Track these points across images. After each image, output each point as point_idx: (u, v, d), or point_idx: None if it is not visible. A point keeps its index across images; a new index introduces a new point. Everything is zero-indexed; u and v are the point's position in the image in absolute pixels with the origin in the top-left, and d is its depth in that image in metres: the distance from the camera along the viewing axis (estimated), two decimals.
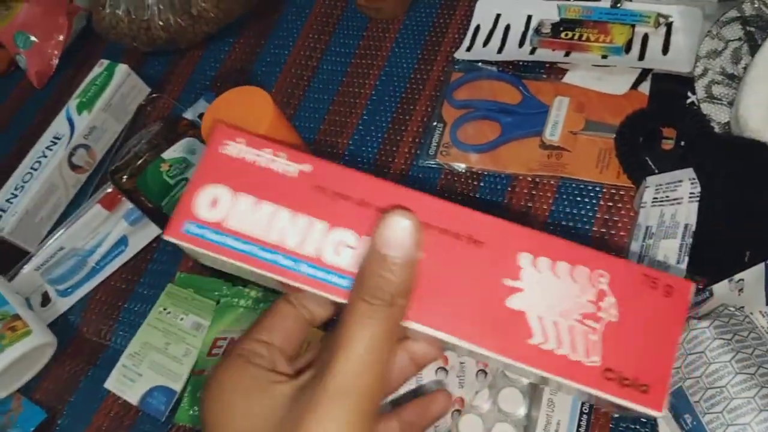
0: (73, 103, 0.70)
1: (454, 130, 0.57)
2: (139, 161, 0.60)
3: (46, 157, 0.67)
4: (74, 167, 0.68)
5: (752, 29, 0.50)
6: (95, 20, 0.75)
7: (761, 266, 0.41)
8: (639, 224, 0.45)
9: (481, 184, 0.55)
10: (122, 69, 0.71)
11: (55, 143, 0.68)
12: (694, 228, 0.41)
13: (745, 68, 0.49)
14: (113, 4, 0.72)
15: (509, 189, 0.54)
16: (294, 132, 0.37)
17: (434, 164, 0.57)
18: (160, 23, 0.71)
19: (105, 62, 0.72)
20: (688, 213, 0.42)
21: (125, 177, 0.60)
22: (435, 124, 0.59)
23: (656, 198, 0.45)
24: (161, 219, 0.58)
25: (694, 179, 0.43)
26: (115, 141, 0.71)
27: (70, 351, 0.60)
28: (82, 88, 0.70)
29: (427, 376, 0.41)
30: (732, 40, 0.50)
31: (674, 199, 0.43)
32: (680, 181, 0.44)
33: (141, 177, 0.59)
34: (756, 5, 0.51)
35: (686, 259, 0.41)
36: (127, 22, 0.72)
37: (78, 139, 0.68)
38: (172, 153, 0.60)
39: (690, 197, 0.42)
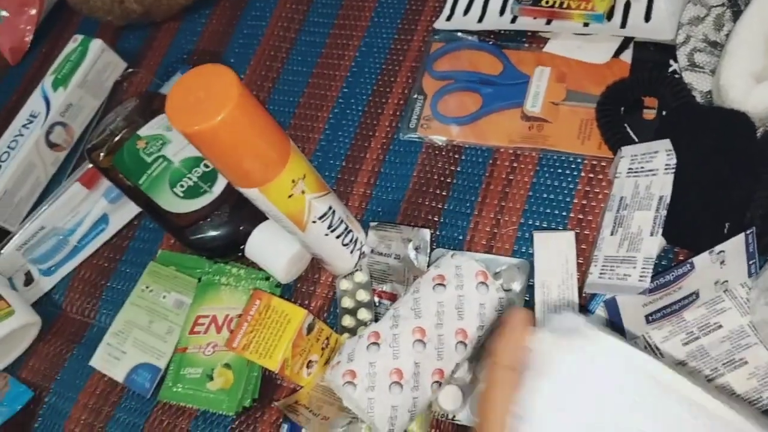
0: (48, 80, 0.68)
1: (434, 103, 0.56)
2: (116, 138, 0.59)
3: (22, 135, 0.66)
4: (52, 145, 0.67)
5: None
6: None
7: (741, 237, 0.41)
8: (613, 195, 0.45)
9: (463, 157, 0.55)
10: (97, 44, 0.69)
11: (32, 121, 0.66)
12: (668, 200, 0.41)
13: (727, 35, 0.48)
14: None
15: (490, 162, 0.54)
16: (264, 112, 0.37)
17: (416, 137, 0.56)
18: None
19: (79, 37, 0.70)
20: (663, 184, 0.42)
21: (102, 155, 0.59)
22: (415, 96, 0.58)
23: (631, 168, 0.44)
24: (139, 197, 0.58)
25: (670, 150, 0.42)
26: (93, 118, 0.70)
27: (54, 330, 0.60)
28: (56, 65, 0.69)
29: (405, 349, 0.41)
30: (715, 6, 0.49)
31: (649, 170, 0.43)
32: (656, 152, 0.43)
33: (118, 155, 0.58)
34: None
35: (660, 231, 0.41)
36: None
37: (54, 116, 0.67)
38: (148, 130, 0.59)
39: (666, 168, 0.42)
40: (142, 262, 0.59)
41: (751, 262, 0.41)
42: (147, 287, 0.57)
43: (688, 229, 0.43)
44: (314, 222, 0.44)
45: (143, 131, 0.59)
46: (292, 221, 0.43)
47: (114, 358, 0.55)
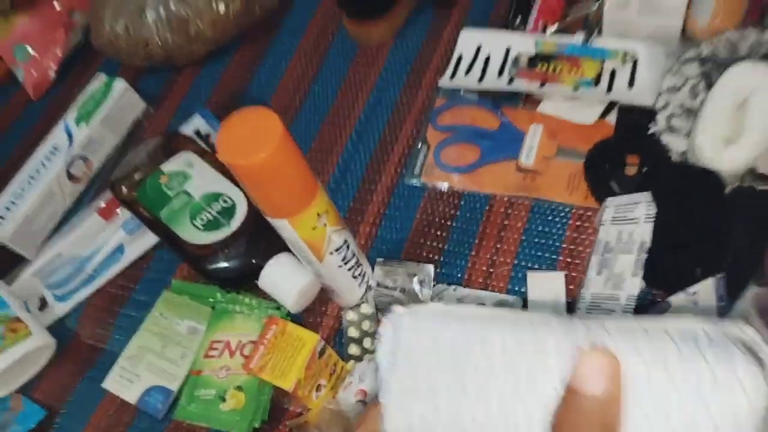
0: (71, 115, 0.72)
1: (437, 152, 0.62)
2: (139, 173, 0.63)
3: (45, 167, 0.70)
4: (72, 177, 0.71)
5: (708, 68, 0.56)
6: (93, 36, 0.78)
7: (711, 280, 0.46)
8: (599, 240, 0.50)
9: (462, 202, 0.60)
10: (121, 84, 0.74)
11: (54, 153, 0.70)
12: (648, 245, 0.46)
13: (701, 103, 0.54)
14: (113, 21, 0.76)
15: (487, 207, 0.59)
16: (299, 152, 0.41)
17: (419, 183, 0.61)
18: (158, 42, 0.75)
19: (104, 76, 0.75)
20: (643, 232, 0.47)
21: (125, 188, 0.63)
22: (420, 146, 0.63)
23: (615, 217, 0.50)
24: (159, 228, 0.61)
25: (650, 202, 0.48)
26: (111, 153, 0.74)
27: (67, 354, 0.63)
28: (81, 102, 0.73)
29: None
30: (691, 78, 0.56)
31: (631, 219, 0.48)
32: (637, 203, 0.49)
33: (141, 188, 0.63)
34: (712, 46, 0.56)
35: (640, 272, 0.46)
36: (126, 39, 0.76)
37: (76, 150, 0.71)
38: (170, 166, 0.63)
39: (646, 217, 0.47)
40: (155, 291, 0.63)
41: (720, 304, 0.47)
42: (161, 314, 0.61)
43: (665, 273, 0.48)
44: (331, 254, 0.49)
45: (166, 167, 0.63)
46: (311, 251, 0.47)
47: (127, 381, 0.58)
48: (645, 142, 0.55)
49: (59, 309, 0.65)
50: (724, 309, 0.46)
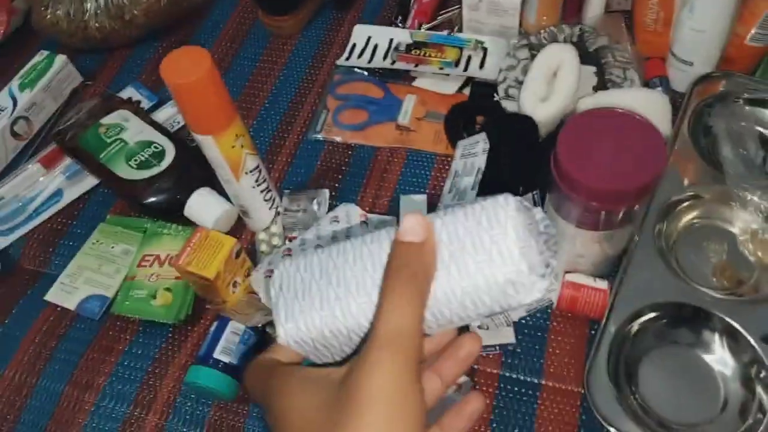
0: (15, 82, 0.83)
1: (335, 114, 0.77)
2: (81, 125, 0.75)
3: None
4: (15, 135, 0.81)
5: (535, 52, 0.75)
6: (35, 19, 0.89)
7: (528, 195, 0.64)
8: (452, 170, 0.67)
9: (353, 153, 0.75)
10: (61, 58, 0.85)
11: None
12: (483, 169, 0.63)
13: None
14: (55, 7, 0.87)
15: (373, 157, 0.75)
16: (222, 82, 0.55)
17: (320, 137, 0.76)
18: (96, 25, 0.87)
19: (45, 52, 0.85)
20: (480, 161, 0.64)
21: (68, 137, 0.75)
22: (321, 109, 0.78)
23: (463, 153, 0.67)
24: (98, 169, 0.73)
25: (486, 140, 0.65)
26: (51, 117, 0.85)
27: (10, 279, 0.72)
28: (24, 71, 0.83)
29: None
30: (522, 59, 0.75)
31: (473, 153, 0.66)
32: (477, 142, 0.66)
33: (82, 136, 0.74)
34: (539, 37, 0.76)
35: (477, 188, 0.63)
36: (67, 22, 0.87)
37: (20, 111, 0.81)
38: (108, 119, 0.75)
39: (483, 151, 0.65)
40: (92, 225, 0.73)
41: None
42: (97, 241, 0.72)
43: (495, 190, 0.65)
44: (246, 173, 0.63)
45: (104, 120, 0.75)
46: (230, 169, 0.61)
47: (67, 293, 0.68)
48: (489, 106, 0.73)
49: (2, 242, 0.74)
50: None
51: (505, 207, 0.34)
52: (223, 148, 0.59)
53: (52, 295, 0.68)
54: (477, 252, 0.32)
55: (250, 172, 0.63)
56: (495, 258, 0.32)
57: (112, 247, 0.71)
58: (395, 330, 0.30)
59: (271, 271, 0.57)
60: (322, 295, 0.34)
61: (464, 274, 0.32)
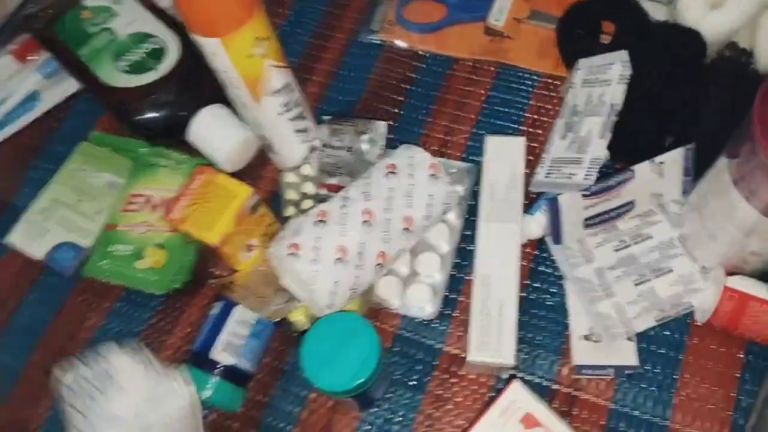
0: None
1: (399, 7, 0.56)
2: (59, 8, 0.55)
3: None
4: None
5: None
6: None
7: (680, 151, 0.43)
8: (566, 103, 0.46)
9: (422, 65, 0.55)
10: None
11: None
12: (619, 108, 0.42)
13: None
14: None
15: (449, 71, 0.54)
16: None
17: (376, 40, 0.55)
18: None
19: None
20: (615, 93, 0.43)
21: (41, 22, 0.56)
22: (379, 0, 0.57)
23: (587, 80, 0.46)
24: (79, 69, 0.54)
25: (626, 62, 0.44)
26: None
27: None
28: None
29: (352, 228, 0.41)
30: None
31: (604, 81, 0.44)
32: (612, 64, 0.44)
33: (59, 22, 0.55)
34: None
35: (609, 135, 0.42)
36: None
37: None
38: (94, 1, 0.55)
39: (620, 78, 0.43)
40: (73, 142, 0.56)
41: (686, 179, 0.44)
42: (77, 166, 0.54)
43: (632, 140, 0.44)
44: (270, 95, 0.43)
45: (89, 1, 0.55)
46: (247, 88, 0.42)
47: (35, 235, 0.52)
48: (622, 7, 0.50)
49: None
50: (687, 187, 0.43)
51: None
52: (236, 56, 0.39)
53: (17, 237, 0.52)
54: None
55: (277, 92, 0.43)
56: None
57: (95, 177, 0.54)
58: None
59: (296, 245, 0.39)
60: None
61: None
